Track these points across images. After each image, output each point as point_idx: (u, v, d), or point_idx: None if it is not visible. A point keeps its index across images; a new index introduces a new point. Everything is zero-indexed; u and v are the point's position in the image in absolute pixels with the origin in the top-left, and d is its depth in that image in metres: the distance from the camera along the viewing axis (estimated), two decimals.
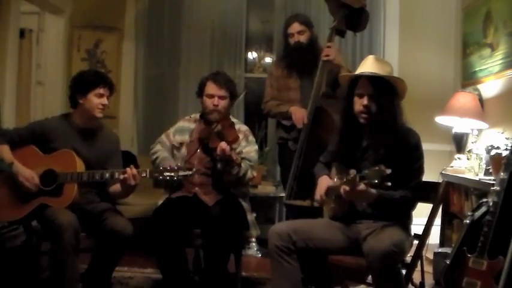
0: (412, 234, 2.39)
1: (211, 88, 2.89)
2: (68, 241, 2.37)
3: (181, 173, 2.49)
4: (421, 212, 2.46)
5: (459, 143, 3.77)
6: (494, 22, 3.71)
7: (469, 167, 3.47)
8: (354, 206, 2.38)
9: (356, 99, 2.36)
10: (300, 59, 3.43)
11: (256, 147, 2.98)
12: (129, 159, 3.37)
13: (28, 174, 2.55)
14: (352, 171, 2.09)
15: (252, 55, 5.23)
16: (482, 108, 3.70)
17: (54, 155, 2.64)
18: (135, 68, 4.86)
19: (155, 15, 4.83)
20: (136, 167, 2.56)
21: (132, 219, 2.68)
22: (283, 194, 3.84)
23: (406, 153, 2.28)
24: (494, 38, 3.69)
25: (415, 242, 2.38)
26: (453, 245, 2.51)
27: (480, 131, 3.77)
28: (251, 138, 2.97)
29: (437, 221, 2.95)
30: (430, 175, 2.50)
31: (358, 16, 3.36)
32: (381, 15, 4.64)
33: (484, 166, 3.26)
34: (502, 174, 2.30)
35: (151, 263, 2.95)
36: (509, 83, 3.51)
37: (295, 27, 3.46)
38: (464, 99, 3.64)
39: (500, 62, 3.59)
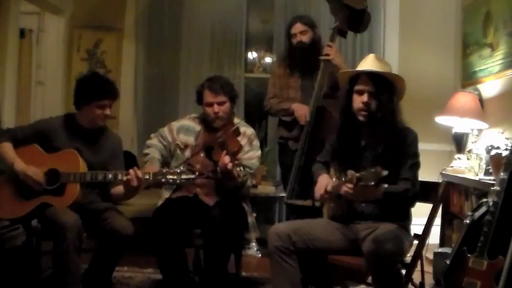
0: (412, 234, 2.39)
1: (208, 96, 2.85)
2: (71, 241, 2.38)
3: (184, 176, 2.49)
4: (421, 212, 2.46)
5: (459, 143, 3.77)
6: (494, 22, 3.71)
7: (469, 167, 3.47)
8: (353, 207, 2.38)
9: (355, 96, 2.36)
10: (302, 59, 3.44)
11: (259, 152, 2.94)
12: (129, 159, 3.37)
13: (32, 171, 2.55)
14: (350, 172, 2.09)
15: (252, 55, 5.23)
16: (482, 108, 3.70)
17: (57, 154, 2.64)
18: (135, 68, 4.86)
19: (155, 15, 4.83)
20: (137, 167, 2.56)
21: (132, 219, 2.67)
22: (283, 194, 3.84)
23: (403, 150, 2.29)
24: (494, 38, 3.70)
25: (415, 242, 2.38)
26: (453, 245, 2.51)
27: (480, 131, 3.77)
28: (255, 142, 2.94)
29: (437, 221, 2.96)
30: (430, 175, 2.51)
31: (359, 17, 3.37)
32: (381, 16, 4.64)
33: (484, 166, 3.26)
34: (502, 174, 2.29)
35: (151, 263, 2.95)
36: (509, 83, 3.51)
37: (298, 27, 3.46)
38: (464, 99, 3.64)
39: (500, 62, 3.59)
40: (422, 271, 2.38)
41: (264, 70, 5.20)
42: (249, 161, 2.84)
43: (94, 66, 4.76)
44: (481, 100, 3.76)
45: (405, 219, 2.38)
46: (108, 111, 2.67)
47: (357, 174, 2.06)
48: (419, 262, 2.34)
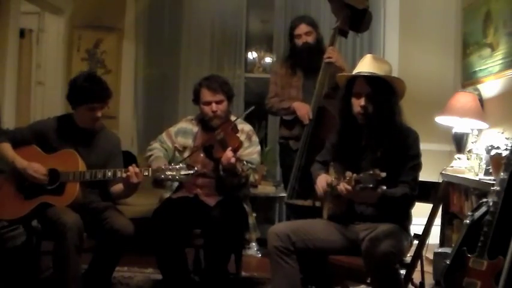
0: (412, 234, 2.39)
1: (206, 95, 2.85)
2: (71, 241, 2.38)
3: (183, 172, 2.49)
4: (421, 212, 2.46)
5: (459, 143, 3.77)
6: (494, 22, 3.71)
7: (469, 167, 3.47)
8: (352, 207, 2.38)
9: (354, 100, 2.35)
10: (308, 60, 3.44)
11: (258, 148, 2.95)
12: (129, 159, 3.37)
13: (35, 167, 2.55)
14: (348, 173, 2.09)
15: (252, 55, 5.24)
16: (482, 108, 3.70)
17: (56, 154, 2.64)
18: (135, 68, 4.86)
19: (155, 15, 4.83)
20: (136, 167, 2.56)
21: (132, 219, 2.67)
22: (283, 194, 3.84)
23: (404, 151, 2.29)
24: (494, 38, 3.69)
25: (415, 242, 2.38)
26: (453, 245, 2.51)
27: (480, 131, 3.77)
28: (254, 138, 2.95)
29: (437, 221, 2.95)
30: (430, 175, 2.51)
31: (361, 17, 3.37)
32: (381, 15, 4.64)
33: (484, 166, 3.26)
34: (502, 174, 2.30)
35: (151, 263, 2.95)
36: (509, 83, 3.51)
37: (303, 28, 3.45)
38: (464, 99, 3.64)
39: (500, 62, 3.59)
40: (422, 271, 2.38)
41: (264, 70, 5.20)
42: (250, 156, 2.84)
43: (94, 66, 4.76)
44: (481, 100, 3.76)
45: (405, 219, 2.38)
46: (98, 114, 2.65)
47: (355, 176, 2.05)
48: (419, 262, 2.33)
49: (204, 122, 2.93)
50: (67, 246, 2.38)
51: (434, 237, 2.92)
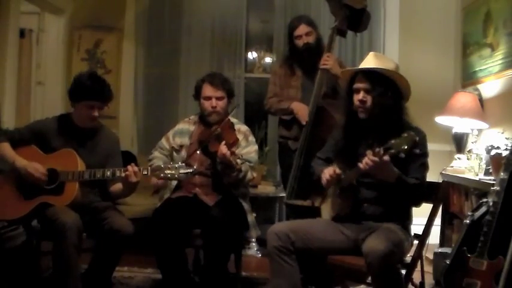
0: (412, 234, 2.39)
1: (207, 90, 2.88)
2: (71, 240, 2.38)
3: (182, 171, 2.50)
4: (421, 212, 2.46)
5: (459, 143, 3.77)
6: (494, 22, 3.71)
7: (469, 167, 3.47)
8: (355, 206, 2.38)
9: (354, 95, 2.37)
10: (309, 60, 3.44)
11: (256, 147, 2.97)
12: (129, 159, 3.36)
13: (35, 166, 2.55)
14: (380, 147, 2.08)
15: (252, 55, 5.23)
16: (482, 108, 3.70)
17: (55, 154, 2.64)
18: (135, 68, 4.86)
19: (155, 15, 4.84)
20: (135, 164, 2.56)
21: (132, 219, 2.67)
22: (283, 194, 3.84)
23: (412, 151, 2.28)
24: (494, 38, 3.69)
25: (415, 242, 2.38)
26: (453, 245, 2.51)
27: (480, 131, 3.77)
28: (251, 138, 2.97)
29: (437, 221, 2.95)
30: (430, 175, 2.50)
31: (359, 17, 3.37)
32: (381, 15, 4.64)
33: (484, 166, 3.26)
34: (502, 174, 2.30)
35: (151, 263, 2.95)
36: (509, 83, 3.51)
37: (303, 29, 3.45)
38: (464, 99, 3.64)
39: (500, 62, 3.59)
40: (422, 271, 2.38)
41: (264, 70, 5.20)
42: (248, 155, 2.86)
43: (94, 66, 4.76)
44: (481, 100, 3.76)
45: (406, 219, 2.38)
46: (96, 113, 2.66)
47: (385, 146, 2.05)
48: (419, 262, 2.33)
49: (202, 118, 2.95)
50: (66, 246, 2.37)
51: (434, 237, 2.92)
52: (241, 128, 2.96)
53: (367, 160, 2.11)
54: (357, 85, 2.36)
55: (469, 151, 3.63)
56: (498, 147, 2.92)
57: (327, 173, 2.37)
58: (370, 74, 2.32)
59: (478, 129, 3.73)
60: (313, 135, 3.22)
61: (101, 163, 2.69)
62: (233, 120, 2.95)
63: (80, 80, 2.67)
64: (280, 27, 4.68)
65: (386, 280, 2.10)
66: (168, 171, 2.50)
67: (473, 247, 2.26)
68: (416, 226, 2.40)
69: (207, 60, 4.79)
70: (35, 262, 2.86)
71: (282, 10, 4.75)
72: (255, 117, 4.64)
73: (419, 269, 2.36)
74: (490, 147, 3.04)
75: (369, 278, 2.29)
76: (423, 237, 2.36)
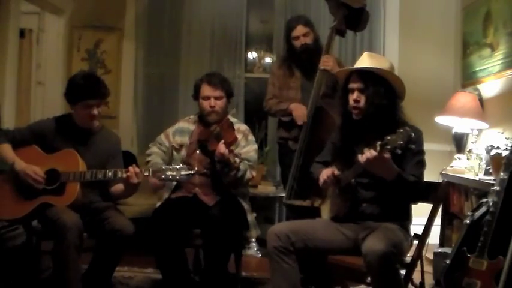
0: (412, 234, 2.39)
1: (206, 90, 2.88)
2: (71, 240, 2.38)
3: (183, 172, 2.50)
4: (421, 212, 2.46)
5: (459, 143, 3.77)
6: (494, 22, 3.71)
7: (469, 167, 3.47)
8: (354, 206, 2.38)
9: (349, 95, 2.37)
10: (307, 61, 3.44)
11: (255, 146, 2.97)
12: (129, 159, 3.37)
13: (33, 169, 2.55)
14: (378, 142, 2.07)
15: (252, 55, 5.23)
16: (482, 108, 3.70)
17: (56, 154, 2.64)
18: (135, 68, 4.86)
19: (155, 15, 4.83)
20: (137, 166, 2.56)
21: (132, 219, 2.68)
22: (283, 194, 3.83)
23: (407, 147, 2.28)
24: (494, 38, 3.69)
25: (415, 242, 2.38)
26: (453, 245, 2.51)
27: (480, 131, 3.77)
28: (250, 137, 2.97)
29: (437, 221, 2.95)
30: (430, 175, 2.50)
31: (358, 16, 3.37)
32: (381, 15, 4.65)
33: (484, 166, 3.26)
34: (502, 174, 2.30)
35: (151, 263, 2.95)
36: (509, 83, 3.51)
37: (300, 29, 3.45)
38: (464, 99, 3.64)
39: (500, 62, 3.59)
40: (422, 271, 2.37)
41: (264, 70, 5.19)
42: (247, 154, 2.86)
43: (94, 66, 4.76)
44: (481, 100, 3.76)
45: (405, 219, 2.38)
46: (95, 111, 2.66)
47: (381, 142, 2.04)
48: (419, 262, 2.33)
49: (201, 118, 2.95)
50: (67, 246, 2.38)
51: (434, 237, 2.92)
52: (240, 127, 2.96)
53: (367, 154, 2.10)
54: (351, 85, 2.36)
55: (469, 151, 3.64)
56: (498, 147, 2.91)
57: (325, 174, 2.37)
58: (364, 74, 2.33)
59: (478, 129, 3.73)
60: (312, 135, 3.22)
61: (102, 163, 2.70)
62: (232, 119, 2.95)
63: (74, 81, 2.67)
64: (280, 27, 4.67)
65: (385, 280, 2.10)
66: (170, 173, 2.50)
67: (473, 247, 2.26)
68: (416, 226, 2.40)
69: (207, 60, 4.79)
70: (35, 262, 2.86)
71: (282, 10, 4.75)
72: (255, 117, 4.64)
73: (419, 269, 2.36)
74: (490, 147, 3.04)
75: (369, 278, 2.29)
76: (423, 237, 2.36)
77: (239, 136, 2.84)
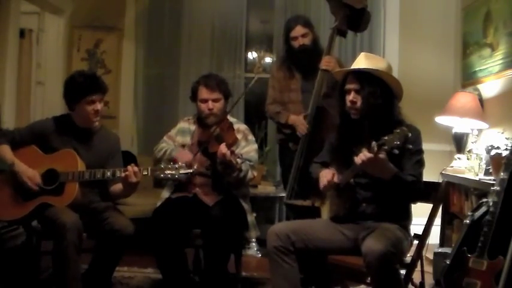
0: (412, 234, 2.39)
1: (203, 93, 2.86)
2: (71, 241, 2.38)
3: (182, 171, 2.50)
4: (421, 212, 2.46)
5: (459, 143, 3.77)
6: (494, 22, 3.71)
7: (469, 167, 3.47)
8: (354, 206, 2.38)
9: (346, 96, 2.38)
10: (306, 62, 3.43)
11: (255, 146, 2.97)
12: (129, 159, 3.38)
13: (30, 173, 2.56)
14: (373, 143, 2.07)
15: (252, 55, 5.23)
16: (482, 108, 3.70)
17: (55, 154, 2.64)
18: (135, 68, 4.86)
19: (155, 15, 4.84)
20: (136, 166, 2.56)
21: (132, 219, 2.67)
22: (283, 194, 3.83)
23: (405, 148, 2.28)
24: (494, 38, 3.70)
25: (415, 242, 2.38)
26: (453, 245, 2.51)
27: (480, 131, 3.77)
28: (250, 137, 2.96)
29: (437, 221, 2.95)
30: (430, 175, 2.51)
31: (359, 16, 3.37)
32: (381, 15, 4.65)
33: (484, 166, 3.26)
34: (502, 174, 2.30)
35: (151, 263, 2.95)
36: (509, 83, 3.51)
37: (299, 30, 3.44)
38: (464, 99, 3.64)
39: (500, 62, 3.59)
40: (422, 271, 2.37)
41: (264, 70, 5.19)
42: (248, 154, 2.85)
43: (94, 66, 4.76)
44: (481, 100, 3.76)
45: (405, 219, 2.38)
46: (98, 106, 2.67)
47: (378, 142, 2.04)
48: (419, 262, 2.33)
49: (200, 120, 2.95)
50: (66, 246, 2.37)
51: (434, 237, 2.92)
52: (240, 127, 2.95)
53: (362, 156, 2.11)
54: (348, 86, 2.37)
55: (469, 151, 3.63)
56: (498, 147, 2.91)
57: (325, 178, 2.36)
58: (360, 75, 2.33)
59: (478, 129, 3.73)
60: (313, 135, 3.22)
61: (101, 163, 2.70)
62: (232, 119, 2.95)
63: (73, 80, 2.69)
64: (280, 27, 4.65)
65: (385, 280, 2.10)
66: (168, 171, 2.50)
67: (473, 247, 2.26)
68: (416, 226, 2.40)
69: (207, 60, 4.80)
70: (35, 262, 2.86)
71: (282, 10, 4.75)
72: (255, 117, 4.64)
73: (419, 269, 2.36)
74: (490, 147, 3.04)
75: (369, 278, 2.29)
76: (423, 237, 2.36)
77: (239, 136, 2.84)
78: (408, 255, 2.34)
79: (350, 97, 2.34)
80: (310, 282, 2.62)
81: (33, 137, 2.69)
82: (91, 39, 4.81)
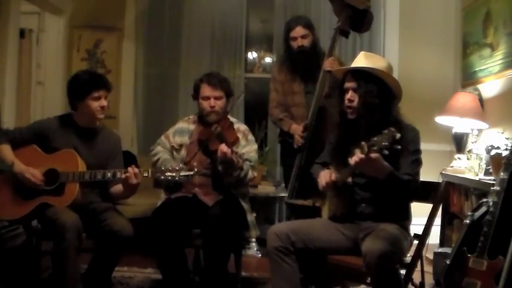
0: (412, 234, 2.39)
1: (206, 90, 2.87)
2: (70, 241, 2.38)
3: (182, 174, 2.50)
4: (421, 212, 2.46)
5: (459, 143, 3.77)
6: (494, 22, 3.71)
7: (469, 167, 3.47)
8: (353, 206, 2.38)
9: (345, 95, 2.38)
10: (304, 64, 3.43)
11: (255, 146, 2.97)
12: (129, 159, 3.38)
13: (32, 171, 2.56)
14: (363, 144, 2.08)
15: (252, 55, 5.23)
16: (482, 108, 3.70)
17: (56, 154, 2.64)
18: (135, 68, 4.87)
19: (155, 15, 4.84)
20: (136, 167, 2.56)
21: (132, 219, 2.68)
22: (283, 194, 3.84)
23: (403, 147, 2.28)
24: (494, 38, 3.70)
25: (415, 242, 2.38)
26: (453, 245, 2.51)
27: (480, 131, 3.77)
28: (250, 137, 2.97)
29: (437, 221, 2.96)
30: (430, 175, 2.51)
31: (362, 17, 3.37)
32: (381, 15, 4.65)
33: (484, 166, 3.26)
34: (502, 174, 2.30)
35: (151, 263, 2.95)
36: (509, 83, 3.51)
37: (299, 31, 3.43)
38: (464, 99, 3.64)
39: (500, 62, 3.59)
40: (422, 271, 2.37)
41: (264, 70, 5.20)
42: (248, 154, 2.86)
43: (94, 66, 4.76)
44: (481, 100, 3.76)
45: (405, 219, 2.38)
46: (104, 103, 2.67)
47: (368, 143, 2.05)
48: (419, 262, 2.33)
49: (201, 118, 2.95)
50: (66, 246, 2.38)
51: (434, 237, 2.92)
52: (240, 127, 2.96)
53: (355, 157, 2.12)
54: (346, 85, 2.38)
55: (469, 151, 3.63)
56: (498, 147, 2.91)
57: (323, 179, 2.36)
58: (359, 74, 2.34)
59: (478, 129, 3.73)
60: (315, 135, 3.22)
61: (102, 163, 2.70)
62: (232, 119, 2.95)
63: (77, 78, 2.70)
64: (280, 27, 4.65)
65: (385, 280, 2.10)
66: (169, 174, 2.50)
67: (473, 247, 2.26)
68: (416, 226, 2.40)
69: (207, 60, 4.80)
70: (35, 262, 2.86)
71: (282, 10, 4.75)
72: (255, 117, 4.64)
73: (419, 269, 2.36)
74: (490, 147, 3.04)
75: (369, 278, 2.29)
76: (423, 237, 2.36)
77: (239, 136, 2.84)
78: (408, 255, 2.34)
79: (348, 95, 2.34)
80: (310, 282, 2.62)
81: (34, 137, 2.68)
82: (91, 39, 4.81)
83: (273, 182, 4.51)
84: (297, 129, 3.35)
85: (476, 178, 3.17)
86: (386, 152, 2.04)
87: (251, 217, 2.88)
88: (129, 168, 2.53)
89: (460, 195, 3.43)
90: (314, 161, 2.69)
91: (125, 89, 4.84)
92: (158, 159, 2.88)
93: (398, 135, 2.00)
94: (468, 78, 4.16)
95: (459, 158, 3.66)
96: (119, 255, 2.60)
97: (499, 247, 2.19)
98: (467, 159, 3.59)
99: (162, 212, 2.73)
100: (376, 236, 2.14)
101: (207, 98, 2.87)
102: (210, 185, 2.82)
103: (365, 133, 2.26)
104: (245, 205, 2.87)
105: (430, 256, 3.32)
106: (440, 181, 2.54)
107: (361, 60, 2.38)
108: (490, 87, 3.76)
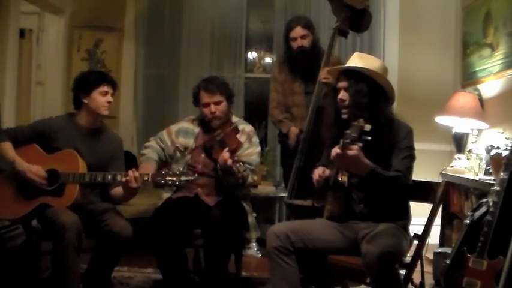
0: (412, 234, 2.39)
1: (204, 97, 2.85)
2: (70, 241, 2.37)
3: (183, 178, 2.50)
4: (421, 212, 2.46)
5: (459, 143, 3.77)
6: (494, 22, 3.71)
7: (469, 167, 3.47)
8: (348, 206, 2.38)
9: (338, 95, 2.40)
10: (304, 65, 3.43)
11: (258, 148, 2.95)
12: (129, 159, 3.38)
13: (34, 169, 2.55)
14: (341, 139, 2.11)
15: (252, 55, 5.24)
16: (482, 108, 3.70)
17: (57, 154, 2.64)
18: (135, 68, 4.87)
19: (155, 15, 4.84)
20: (136, 167, 2.56)
21: (132, 219, 2.68)
22: (283, 194, 3.84)
23: (395, 144, 2.30)
24: (494, 38, 3.69)
25: (415, 242, 2.38)
26: (453, 245, 2.51)
27: (480, 131, 3.77)
28: (254, 139, 2.95)
29: (437, 221, 2.95)
30: (430, 175, 2.51)
31: (360, 17, 3.37)
32: (381, 16, 4.65)
33: (484, 166, 3.26)
34: (502, 174, 2.29)
35: (151, 263, 2.95)
36: (509, 83, 3.51)
37: (299, 31, 3.43)
38: (464, 99, 3.64)
39: (500, 62, 3.59)
40: (422, 271, 2.37)
41: (264, 70, 5.20)
42: (249, 157, 2.85)
43: (94, 66, 4.76)
44: (481, 100, 3.76)
45: (404, 219, 2.38)
46: (110, 98, 2.68)
47: (343, 138, 2.09)
48: (419, 262, 2.33)
49: (204, 122, 2.94)
50: (66, 246, 2.37)
51: (434, 237, 2.92)
52: (245, 128, 2.94)
53: (332, 152, 2.16)
54: (338, 84, 2.41)
55: (469, 151, 3.63)
56: (498, 147, 2.91)
57: (316, 173, 2.40)
58: (351, 74, 2.36)
59: (478, 129, 3.73)
60: (314, 135, 3.22)
61: (103, 164, 2.70)
62: (238, 119, 2.93)
63: (84, 74, 2.75)
64: (280, 27, 4.66)
65: (384, 280, 2.09)
66: (169, 178, 2.50)
67: (473, 247, 2.26)
68: (416, 226, 2.40)
69: (207, 60, 4.80)
70: (35, 262, 2.86)
71: (282, 10, 4.75)
72: (255, 117, 4.64)
73: (419, 269, 2.36)
74: (490, 147, 3.04)
75: (369, 278, 2.28)
76: (423, 237, 2.36)
77: (243, 137, 2.84)
78: (408, 255, 2.34)
79: (339, 95, 2.37)
80: (310, 282, 2.62)
81: (35, 136, 2.68)
82: (91, 39, 4.81)
83: (273, 182, 4.51)
84: (294, 131, 3.39)
85: (476, 178, 3.17)
86: (360, 144, 2.07)
87: (252, 218, 2.88)
88: (130, 172, 2.52)
89: (460, 195, 3.42)
90: (313, 161, 2.69)
91: (125, 89, 4.83)
92: (143, 155, 2.90)
93: (367, 127, 2.02)
94: (468, 78, 4.16)
95: (459, 158, 3.66)
96: (119, 255, 2.60)
97: (499, 247, 2.19)
98: (467, 159, 3.59)
99: (163, 212, 2.73)
100: (375, 236, 2.14)
101: (207, 105, 2.85)
102: (212, 185, 2.82)
103: None
104: (246, 206, 2.87)
105: (430, 256, 3.32)
106: (440, 181, 2.54)
107: (355, 61, 2.41)
108: (490, 87, 3.76)
